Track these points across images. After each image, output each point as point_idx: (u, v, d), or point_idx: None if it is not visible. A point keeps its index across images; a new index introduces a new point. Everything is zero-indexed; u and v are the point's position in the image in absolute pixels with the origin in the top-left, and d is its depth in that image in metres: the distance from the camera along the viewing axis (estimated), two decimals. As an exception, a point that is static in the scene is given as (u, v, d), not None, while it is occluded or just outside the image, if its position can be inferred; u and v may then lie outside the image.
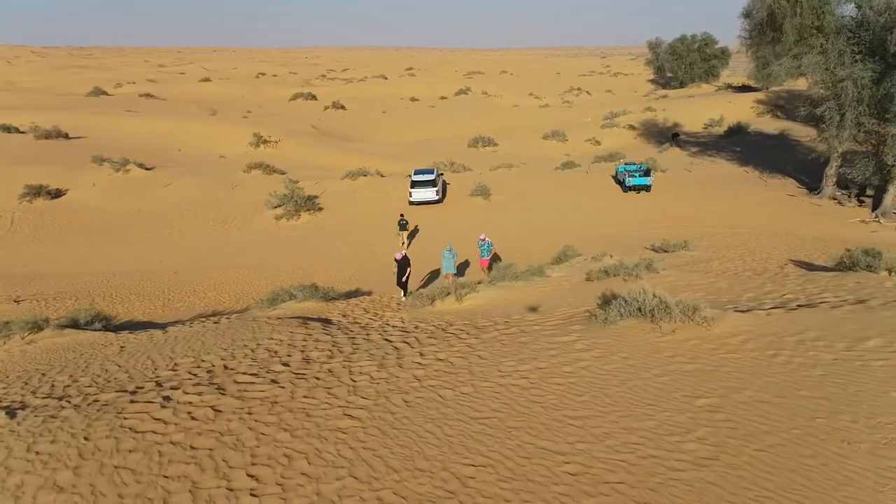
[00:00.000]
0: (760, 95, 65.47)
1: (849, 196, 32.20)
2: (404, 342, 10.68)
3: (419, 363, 9.43)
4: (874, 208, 29.92)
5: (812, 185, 34.66)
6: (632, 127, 60.34)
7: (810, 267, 18.11)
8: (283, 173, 39.61)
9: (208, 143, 52.96)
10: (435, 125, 69.17)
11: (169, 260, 26.77)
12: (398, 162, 48.26)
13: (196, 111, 74.03)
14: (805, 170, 38.28)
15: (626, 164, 37.01)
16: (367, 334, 11.39)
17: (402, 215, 28.50)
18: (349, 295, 18.37)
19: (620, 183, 35.06)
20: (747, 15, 34.29)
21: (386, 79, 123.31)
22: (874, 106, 28.03)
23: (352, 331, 11.69)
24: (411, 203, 32.94)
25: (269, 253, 27.61)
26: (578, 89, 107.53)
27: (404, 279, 17.84)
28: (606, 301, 11.65)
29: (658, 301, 10.12)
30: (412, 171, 35.10)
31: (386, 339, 10.95)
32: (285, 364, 9.43)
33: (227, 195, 35.54)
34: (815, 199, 32.13)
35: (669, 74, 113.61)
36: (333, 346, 10.46)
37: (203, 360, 9.56)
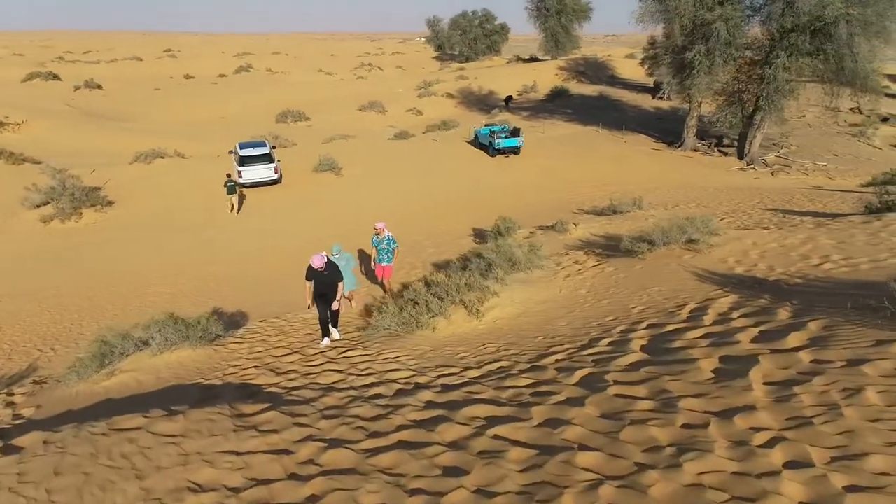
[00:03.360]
0: (561, 63, 66.55)
1: (709, 146, 31.71)
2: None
3: None
4: (740, 156, 29.49)
5: (664, 139, 33.80)
6: (450, 95, 56.97)
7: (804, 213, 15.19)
8: (39, 162, 28.38)
9: None
10: (224, 102, 59.07)
11: None
12: (193, 141, 38.92)
13: None
14: (647, 125, 37.78)
15: (486, 125, 32.74)
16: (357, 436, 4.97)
17: (228, 175, 23.88)
18: (232, 324, 11.11)
19: (485, 147, 30.72)
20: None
21: (141, 60, 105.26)
22: (742, 49, 27.15)
23: (316, 427, 5.23)
24: (242, 186, 24.93)
25: (45, 273, 18.06)
26: (370, 65, 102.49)
27: (336, 307, 9.16)
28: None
29: None
30: (235, 145, 26.87)
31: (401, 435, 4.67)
32: None
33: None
34: (681, 152, 31.03)
35: (450, 52, 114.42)
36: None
37: None
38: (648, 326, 6.87)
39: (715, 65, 27.28)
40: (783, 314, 6.20)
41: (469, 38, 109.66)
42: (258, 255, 18.76)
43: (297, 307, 12.01)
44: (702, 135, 32.34)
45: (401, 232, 18.25)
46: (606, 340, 6.66)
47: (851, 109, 39.57)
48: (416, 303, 8.66)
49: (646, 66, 53.49)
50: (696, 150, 31.28)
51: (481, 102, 54.85)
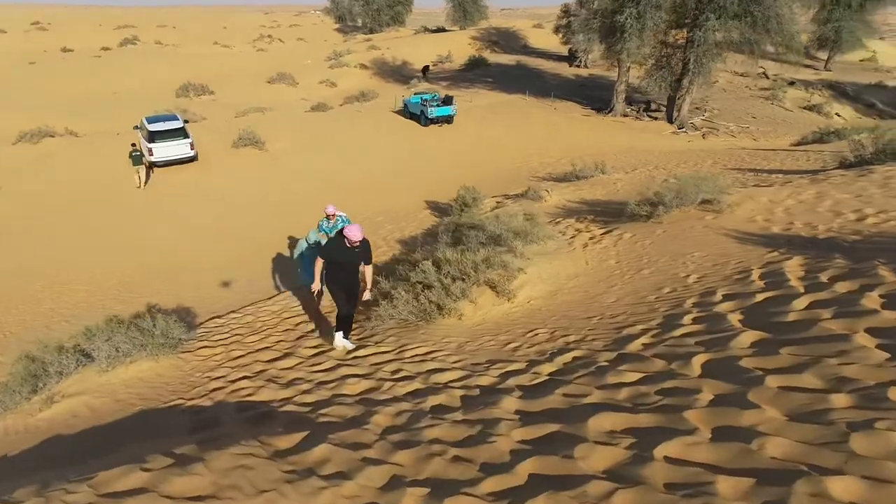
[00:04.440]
0: (473, 33, 65.56)
1: (638, 111, 31.83)
2: None
3: None
4: (670, 120, 29.76)
5: (591, 105, 33.65)
6: (364, 66, 54.50)
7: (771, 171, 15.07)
8: None
9: None
10: (114, 76, 53.54)
11: None
12: (84, 119, 34.75)
13: None
14: (571, 93, 37.58)
15: (415, 94, 31.18)
16: None
17: (133, 145, 21.73)
18: (190, 324, 9.31)
19: (415, 116, 29.24)
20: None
21: (5, 33, 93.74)
22: (673, 11, 27.13)
23: (396, 463, 3.98)
24: (154, 165, 22.15)
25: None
26: (269, 37, 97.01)
27: (367, 297, 7.44)
28: None
29: None
30: (141, 120, 23.82)
31: None
32: None
33: None
34: (612, 118, 30.93)
35: (352, 23, 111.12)
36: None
37: None
38: (726, 297, 5.96)
39: (646, 28, 27.11)
40: (887, 274, 5.45)
41: (372, 10, 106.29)
42: (185, 243, 16.57)
43: (243, 300, 10.36)
44: (629, 100, 32.42)
45: (349, 211, 16.69)
46: (688, 317, 5.67)
47: (758, 75, 41.30)
48: (428, 286, 7.34)
49: (560, 35, 53.54)
50: (625, 116, 31.31)
51: (397, 73, 52.90)
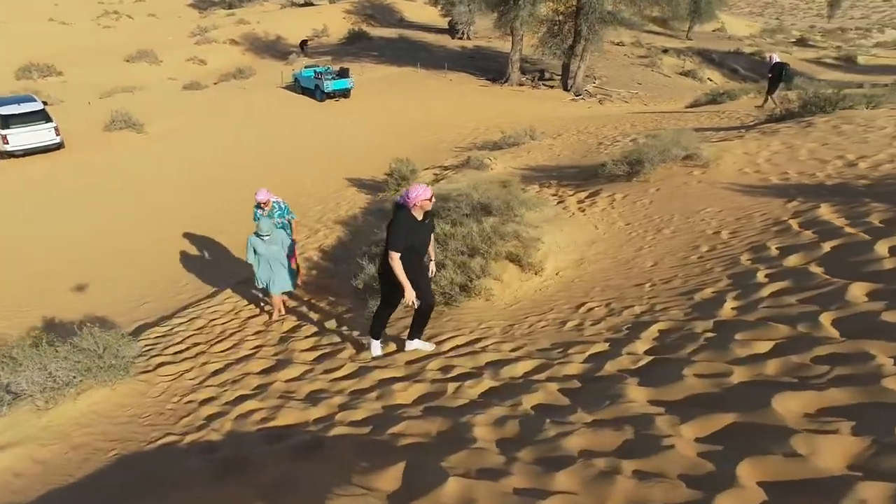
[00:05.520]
0: (346, 6, 63.19)
1: (533, 80, 31.93)
2: None
3: None
4: (566, 88, 30.12)
5: (485, 76, 33.37)
6: (234, 42, 50.62)
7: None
8: None
9: None
10: (-72, 58, 45.56)
11: None
12: None
13: None
14: (461, 64, 37.13)
15: (307, 67, 29.15)
16: None
17: None
18: (137, 333, 7.63)
19: (309, 91, 27.37)
20: None
21: None
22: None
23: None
24: (12, 155, 18.81)
25: None
26: (116, 13, 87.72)
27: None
28: None
29: None
30: (-15, 104, 20.11)
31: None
32: None
33: None
34: (509, 87, 30.79)
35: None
36: None
37: None
38: (783, 250, 5.56)
39: (538, -2, 27.06)
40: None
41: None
42: (62, 244, 14.08)
43: (164, 306, 8.82)
44: (522, 70, 32.45)
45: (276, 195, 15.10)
46: (759, 274, 5.19)
47: (632, 43, 43.16)
48: (440, 265, 6.37)
49: (439, 7, 52.78)
50: (521, 85, 31.30)
51: (271, 48, 49.69)
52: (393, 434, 3.98)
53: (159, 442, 4.69)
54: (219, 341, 6.90)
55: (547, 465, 3.23)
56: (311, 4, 78.17)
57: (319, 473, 3.55)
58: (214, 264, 11.94)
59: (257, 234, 7.36)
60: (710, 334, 4.41)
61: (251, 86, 31.28)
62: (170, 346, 6.96)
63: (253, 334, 7.07)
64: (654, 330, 4.73)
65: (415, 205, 4.92)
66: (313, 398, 4.92)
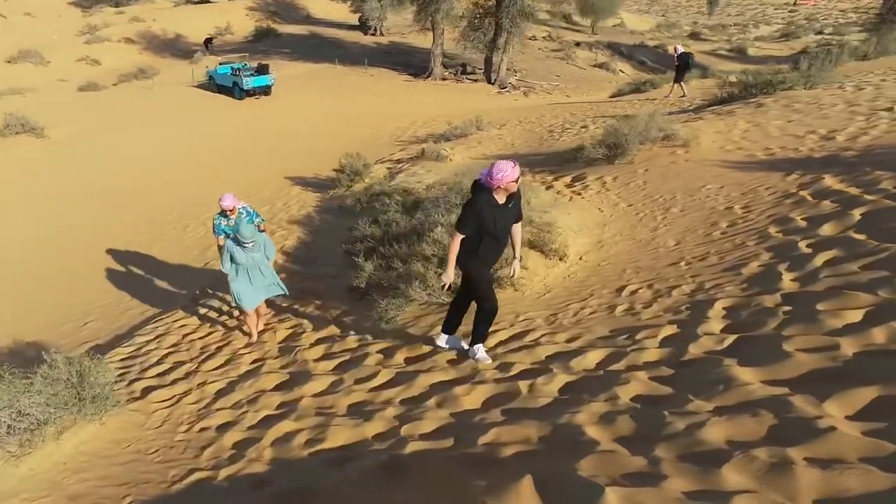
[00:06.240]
0: (249, 3, 60.63)
1: (455, 74, 31.77)
2: None
3: None
4: (489, 81, 30.18)
5: (406, 70, 32.93)
6: (130, 41, 47.27)
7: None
8: None
9: None
10: None
11: None
12: None
13: None
14: (379, 60, 36.46)
15: (222, 64, 27.50)
16: None
17: None
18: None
19: (226, 88, 25.85)
20: None
21: None
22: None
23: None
24: None
25: None
26: (-16, 11, 79.88)
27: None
28: None
29: None
30: None
31: None
32: None
33: None
34: (433, 81, 30.50)
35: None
36: None
37: None
38: (811, 221, 5.55)
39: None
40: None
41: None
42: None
43: (118, 316, 7.88)
44: (443, 64, 32.25)
45: (186, 198, 14.25)
46: (802, 244, 5.12)
47: (544, 37, 44.05)
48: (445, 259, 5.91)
49: (349, 3, 51.66)
50: (444, 79, 31.09)
51: (171, 47, 46.90)
52: (487, 444, 3.52)
53: (186, 481, 3.97)
54: (208, 358, 6.10)
55: (700, 462, 2.89)
56: (209, 1, 74.52)
57: (430, 499, 3.04)
58: (157, 276, 10.82)
59: (237, 242, 6.50)
60: (786, 307, 4.24)
61: (160, 85, 29.18)
62: (148, 368, 6.09)
63: (243, 347, 6.32)
64: (718, 308, 4.52)
65: (499, 186, 4.18)
66: (360, 412, 4.35)
